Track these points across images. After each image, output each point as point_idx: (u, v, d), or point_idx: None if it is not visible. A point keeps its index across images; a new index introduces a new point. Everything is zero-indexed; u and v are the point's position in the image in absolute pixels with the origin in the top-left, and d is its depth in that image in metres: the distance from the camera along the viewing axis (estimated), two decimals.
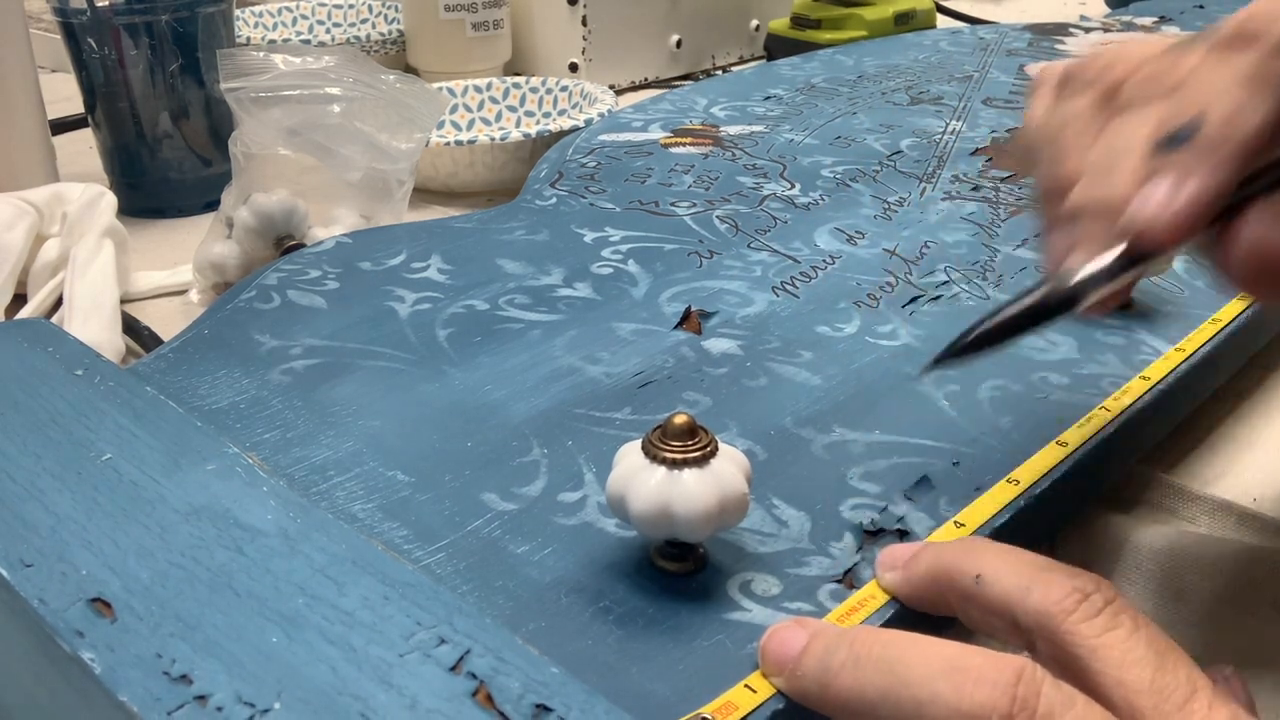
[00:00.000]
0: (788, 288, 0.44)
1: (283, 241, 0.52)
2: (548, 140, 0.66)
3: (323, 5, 1.00)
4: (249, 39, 0.94)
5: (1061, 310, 0.26)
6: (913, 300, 0.43)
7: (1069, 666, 0.23)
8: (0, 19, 0.58)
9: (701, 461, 0.26)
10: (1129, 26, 0.96)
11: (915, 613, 0.27)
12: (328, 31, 1.00)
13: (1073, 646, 0.23)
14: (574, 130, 0.65)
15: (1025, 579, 0.24)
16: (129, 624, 0.23)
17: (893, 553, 0.28)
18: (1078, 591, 0.23)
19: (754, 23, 1.02)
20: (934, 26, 1.01)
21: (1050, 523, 0.34)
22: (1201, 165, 0.25)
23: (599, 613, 0.27)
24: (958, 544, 0.26)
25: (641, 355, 0.39)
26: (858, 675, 0.22)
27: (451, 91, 0.77)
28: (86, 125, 0.68)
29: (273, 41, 0.96)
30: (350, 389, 0.36)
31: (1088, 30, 0.94)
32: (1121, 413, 0.35)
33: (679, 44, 0.96)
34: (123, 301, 0.52)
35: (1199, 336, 0.40)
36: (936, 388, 0.37)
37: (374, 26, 0.99)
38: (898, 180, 0.57)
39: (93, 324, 0.47)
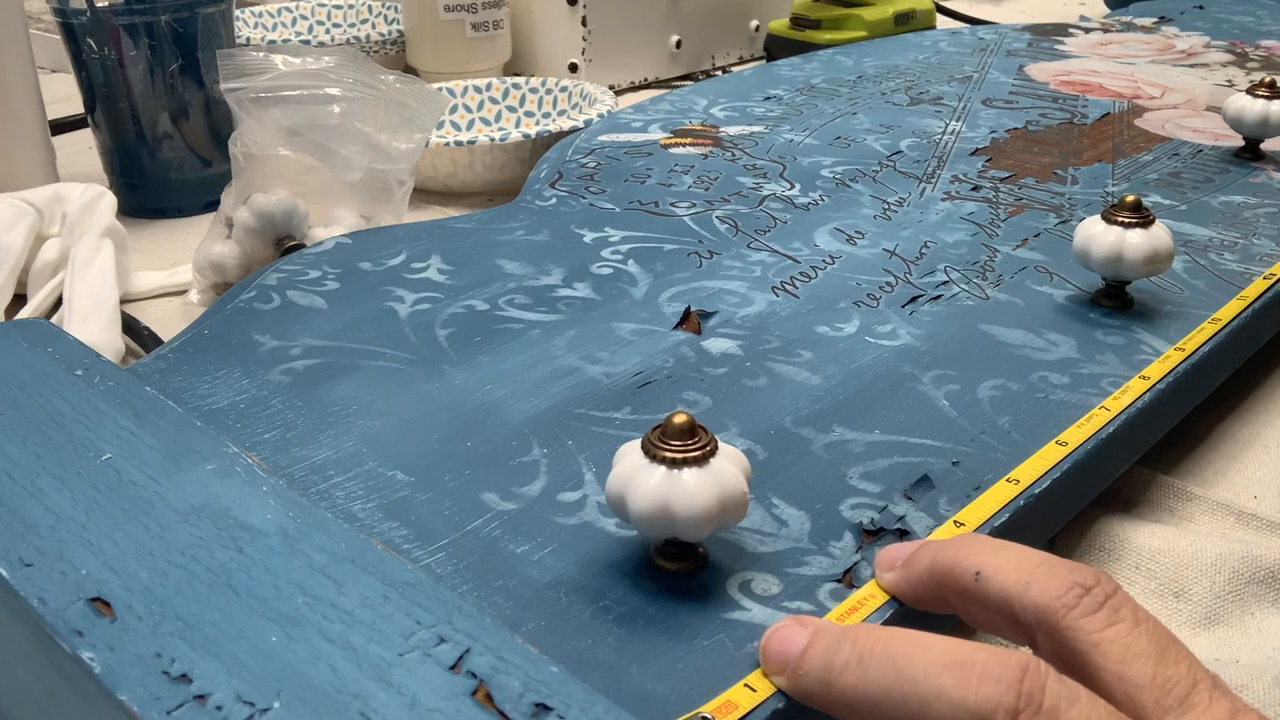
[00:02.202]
0: (787, 288, 0.44)
1: (283, 242, 0.52)
2: (547, 141, 0.66)
3: (323, 5, 1.00)
4: (249, 39, 0.94)
5: None
6: (912, 300, 0.43)
7: (1070, 662, 0.23)
8: (0, 19, 0.58)
9: (701, 461, 0.26)
10: (1129, 27, 0.96)
11: (915, 612, 0.27)
12: (328, 32, 1.00)
13: (1074, 642, 0.23)
14: (574, 131, 0.65)
15: (1025, 574, 0.24)
16: (128, 623, 0.23)
17: (891, 552, 0.27)
18: (1078, 586, 0.23)
19: (754, 23, 1.02)
20: (934, 27, 1.01)
21: (1050, 522, 0.34)
22: None
23: (599, 612, 0.27)
24: (956, 541, 0.26)
25: (641, 355, 0.39)
26: (862, 673, 0.22)
27: (451, 92, 0.77)
28: (86, 125, 0.68)
29: (273, 41, 0.96)
30: (350, 389, 0.36)
31: (1087, 31, 0.94)
32: (1121, 412, 0.35)
33: (679, 44, 0.96)
34: (123, 301, 0.52)
35: (1199, 336, 0.40)
36: (936, 387, 0.37)
37: (374, 27, 1.00)
38: (897, 180, 0.57)
39: (92, 324, 0.47)
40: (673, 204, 0.53)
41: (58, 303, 0.50)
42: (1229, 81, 0.78)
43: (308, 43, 0.98)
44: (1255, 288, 0.44)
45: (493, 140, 0.65)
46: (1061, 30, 0.94)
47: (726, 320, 0.41)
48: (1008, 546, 0.25)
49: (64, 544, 0.26)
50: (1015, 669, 0.21)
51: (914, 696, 0.22)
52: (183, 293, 0.56)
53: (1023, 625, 0.24)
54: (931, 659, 0.22)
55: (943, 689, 0.21)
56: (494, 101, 0.78)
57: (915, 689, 0.22)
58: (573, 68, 0.90)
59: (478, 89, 0.78)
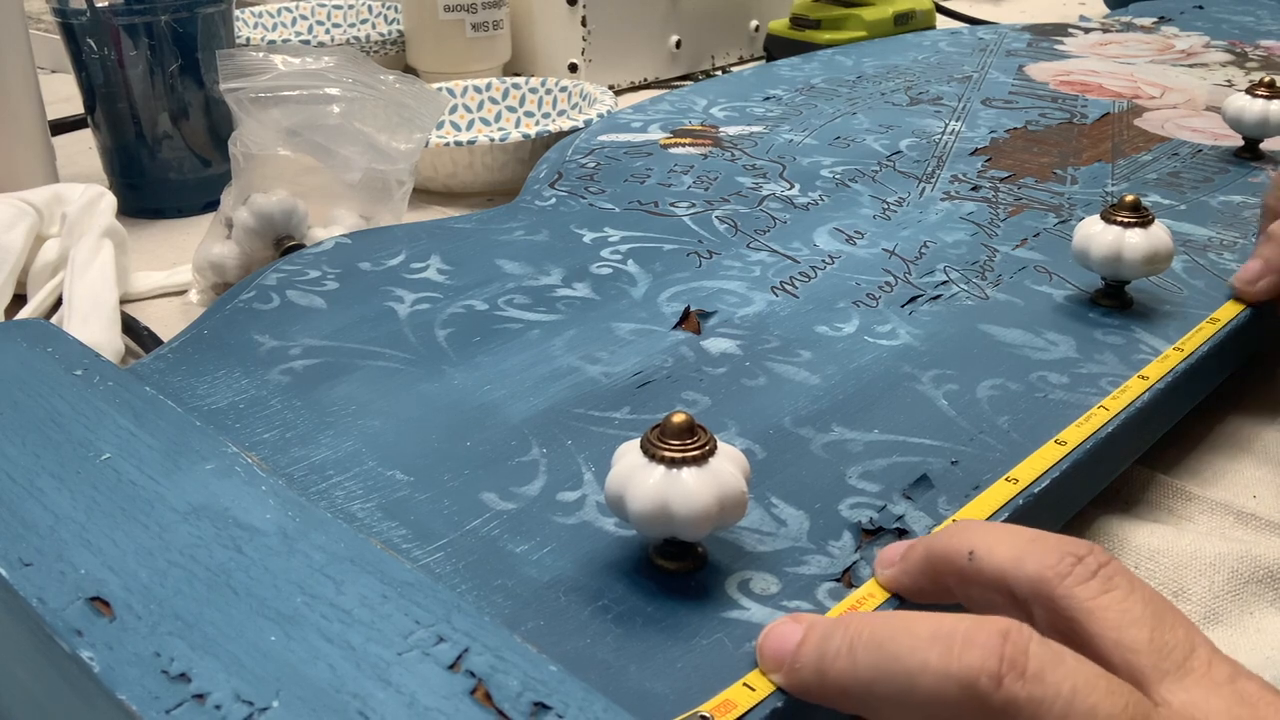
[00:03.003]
0: (787, 287, 0.44)
1: (282, 242, 0.52)
2: (547, 141, 0.66)
3: (323, 5, 1.00)
4: (249, 39, 0.94)
5: None
6: (912, 300, 0.43)
7: (1067, 631, 0.23)
8: (0, 19, 0.59)
9: (700, 460, 0.26)
10: (1129, 27, 0.96)
11: (916, 607, 0.27)
12: (328, 32, 1.00)
13: (1069, 610, 0.23)
14: (573, 131, 0.65)
15: (1017, 549, 0.24)
16: (128, 623, 0.23)
17: (890, 551, 0.28)
18: (1070, 556, 0.23)
19: (754, 23, 1.02)
20: (933, 27, 1.01)
21: (1049, 522, 0.34)
22: None
23: (597, 611, 0.27)
24: (950, 528, 0.26)
25: (640, 355, 0.39)
26: (852, 659, 0.23)
27: (451, 92, 0.77)
28: (86, 125, 0.68)
29: (272, 42, 0.96)
30: (349, 389, 0.36)
31: (1087, 31, 0.94)
32: (1120, 412, 0.35)
33: (679, 44, 0.96)
34: (122, 302, 0.52)
35: (1197, 336, 0.40)
36: (935, 387, 0.37)
37: (374, 27, 1.00)
38: (897, 180, 0.57)
39: (92, 324, 0.47)
40: (672, 204, 0.53)
41: (58, 303, 0.50)
42: (1228, 81, 0.78)
43: (308, 43, 0.98)
44: None
45: (492, 140, 0.65)
46: (1061, 30, 0.94)
47: (726, 320, 0.41)
48: (1001, 527, 0.25)
49: (63, 544, 0.26)
50: (996, 635, 0.21)
51: (901, 673, 0.22)
52: (182, 293, 0.56)
53: (1019, 600, 0.24)
54: (916, 634, 0.22)
55: (926, 662, 0.21)
56: (494, 101, 0.78)
57: (902, 665, 0.22)
58: (572, 68, 0.90)
59: (478, 89, 0.78)
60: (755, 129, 0.65)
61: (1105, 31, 0.94)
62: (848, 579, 0.28)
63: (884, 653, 0.22)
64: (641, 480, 0.26)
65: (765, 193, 0.55)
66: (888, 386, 0.37)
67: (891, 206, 0.53)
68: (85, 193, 0.54)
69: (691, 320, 0.41)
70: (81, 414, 0.31)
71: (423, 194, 0.68)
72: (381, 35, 0.92)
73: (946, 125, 0.66)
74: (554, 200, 0.53)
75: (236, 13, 0.93)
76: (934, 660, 0.21)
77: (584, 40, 0.89)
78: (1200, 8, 1.04)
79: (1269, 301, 0.43)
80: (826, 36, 0.93)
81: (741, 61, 1.03)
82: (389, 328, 0.40)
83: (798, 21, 0.95)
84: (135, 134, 0.64)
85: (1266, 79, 0.59)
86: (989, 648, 0.21)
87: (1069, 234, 0.48)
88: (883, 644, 0.22)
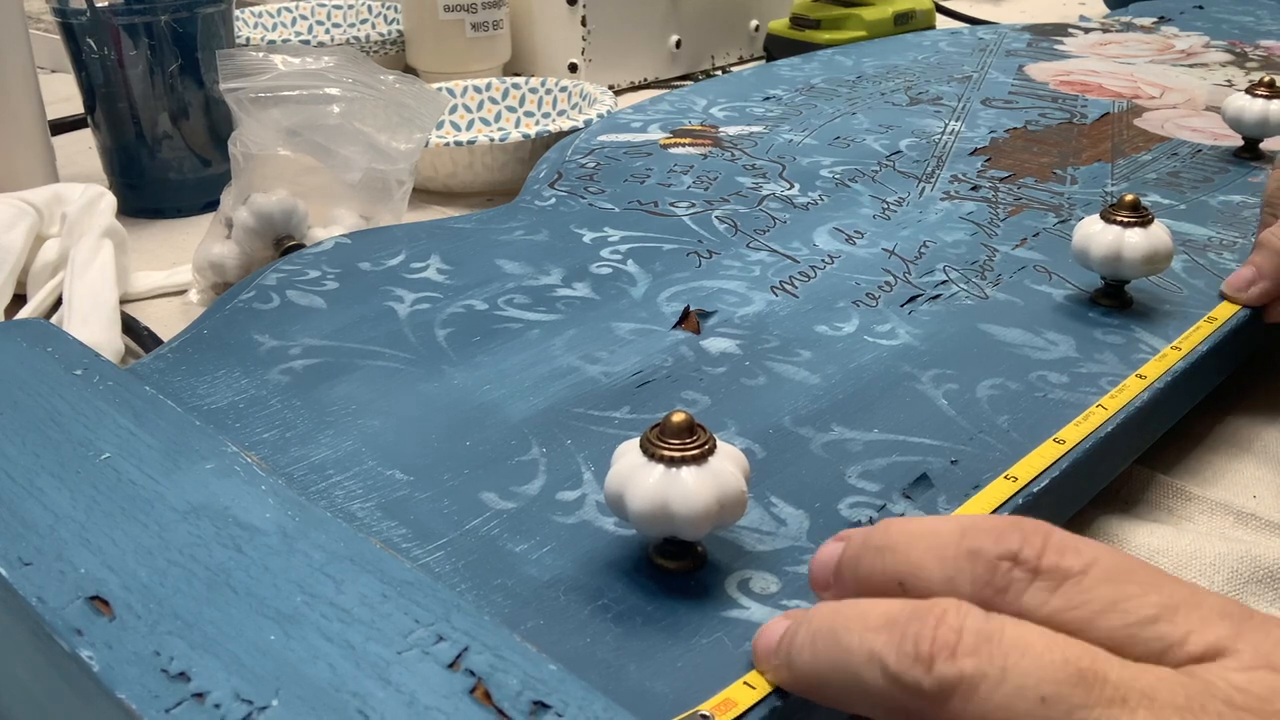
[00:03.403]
0: (786, 287, 0.44)
1: (282, 242, 0.52)
2: (547, 141, 0.66)
3: (323, 5, 1.00)
4: (249, 39, 0.94)
5: None
6: (911, 299, 0.43)
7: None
8: (0, 19, 0.59)
9: (700, 459, 0.26)
10: (1128, 27, 0.96)
11: None
12: (327, 32, 1.00)
13: (1031, 621, 0.21)
14: (573, 131, 0.65)
15: (947, 569, 0.22)
16: (127, 622, 0.23)
17: (819, 569, 0.25)
18: (1004, 561, 0.22)
19: (754, 23, 1.02)
20: (933, 27, 1.01)
21: (1048, 521, 0.34)
22: None
23: (597, 610, 0.27)
24: (869, 545, 0.24)
25: (640, 355, 0.39)
26: (814, 650, 0.22)
27: (451, 92, 0.77)
28: (86, 125, 0.68)
29: (272, 41, 0.96)
30: (349, 388, 0.36)
31: (1087, 31, 0.94)
32: (1119, 411, 0.35)
33: (678, 44, 0.96)
34: (122, 302, 0.52)
35: (1195, 335, 0.40)
36: (935, 386, 0.37)
37: (374, 27, 1.00)
38: (897, 180, 0.57)
39: (92, 324, 0.47)
40: (672, 204, 0.53)
41: (58, 303, 0.50)
42: (1228, 81, 0.78)
43: (308, 43, 0.98)
44: None
45: (492, 140, 0.65)
46: (1061, 30, 0.94)
47: (725, 320, 0.41)
48: (918, 536, 0.23)
49: (63, 543, 0.26)
50: (931, 620, 0.20)
51: (850, 665, 0.21)
52: (182, 293, 0.56)
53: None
54: (866, 624, 0.21)
55: (872, 653, 0.21)
56: (494, 101, 0.78)
57: (851, 657, 0.21)
58: (572, 68, 0.90)
59: (477, 89, 0.78)
60: (755, 129, 0.65)
61: (1105, 31, 0.94)
62: None
63: (838, 644, 0.21)
64: (641, 479, 0.26)
65: (765, 193, 0.55)
66: (887, 386, 0.37)
67: (891, 206, 0.53)
68: (85, 193, 0.54)
69: (691, 320, 0.41)
70: (81, 414, 0.31)
71: (423, 194, 0.68)
72: (381, 35, 0.92)
73: (946, 125, 0.66)
74: (554, 200, 0.53)
75: (236, 13, 0.93)
76: (878, 649, 0.21)
77: (584, 40, 0.89)
78: (1200, 8, 1.04)
79: (1260, 307, 0.43)
80: (826, 36, 0.93)
81: (741, 61, 1.03)
82: (389, 327, 0.40)
83: (798, 21, 0.95)
84: (135, 134, 0.64)
85: (1266, 79, 0.59)
86: (921, 634, 0.20)
87: (1069, 234, 0.48)
88: (837, 635, 0.22)
